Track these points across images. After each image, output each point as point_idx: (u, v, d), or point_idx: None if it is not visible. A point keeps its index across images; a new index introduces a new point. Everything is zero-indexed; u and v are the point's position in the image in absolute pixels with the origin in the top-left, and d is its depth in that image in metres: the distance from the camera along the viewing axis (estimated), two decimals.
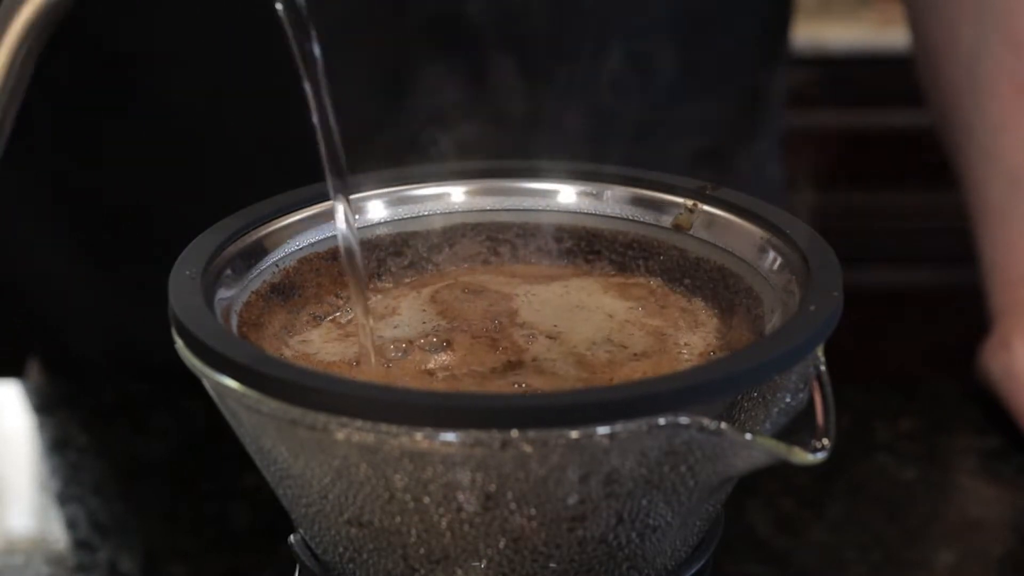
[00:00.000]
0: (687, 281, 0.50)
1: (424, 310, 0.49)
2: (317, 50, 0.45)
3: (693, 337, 0.47)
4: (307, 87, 0.45)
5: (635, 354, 0.46)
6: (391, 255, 0.52)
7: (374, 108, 0.78)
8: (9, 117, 0.44)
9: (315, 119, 0.46)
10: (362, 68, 0.77)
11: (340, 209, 0.46)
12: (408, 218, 0.52)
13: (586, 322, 0.48)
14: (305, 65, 0.45)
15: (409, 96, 0.77)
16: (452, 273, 0.52)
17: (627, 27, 0.79)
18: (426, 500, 0.39)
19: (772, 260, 0.47)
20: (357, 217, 0.52)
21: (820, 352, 0.41)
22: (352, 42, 0.76)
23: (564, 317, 0.48)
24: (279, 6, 0.44)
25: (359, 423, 0.37)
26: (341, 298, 0.50)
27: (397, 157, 0.78)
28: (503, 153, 0.54)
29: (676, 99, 0.83)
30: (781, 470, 0.40)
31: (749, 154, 0.90)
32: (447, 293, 0.50)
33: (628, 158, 0.53)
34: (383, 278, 0.51)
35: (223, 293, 0.46)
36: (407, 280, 0.52)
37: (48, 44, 0.53)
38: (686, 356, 0.46)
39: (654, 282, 0.51)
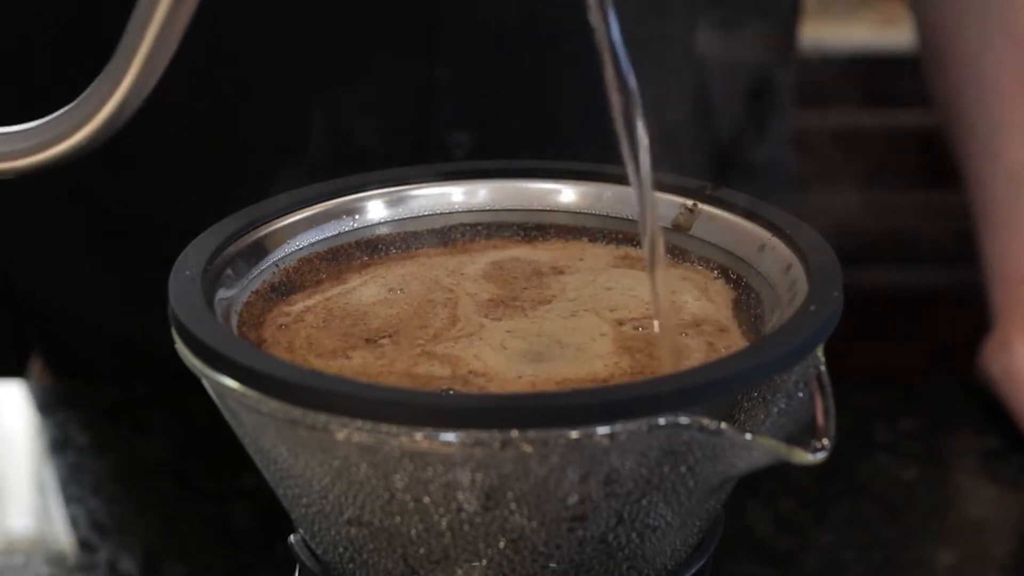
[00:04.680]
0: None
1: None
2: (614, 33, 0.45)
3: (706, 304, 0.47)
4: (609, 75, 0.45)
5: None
6: (390, 250, 0.52)
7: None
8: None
9: (616, 109, 0.45)
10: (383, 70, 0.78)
11: (644, 200, 0.46)
12: (408, 218, 0.52)
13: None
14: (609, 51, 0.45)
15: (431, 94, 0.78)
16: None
17: (632, 21, 0.79)
18: (426, 500, 0.39)
19: (772, 260, 0.47)
20: (357, 217, 0.52)
21: (820, 352, 0.41)
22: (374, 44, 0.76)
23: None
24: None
25: (359, 423, 0.37)
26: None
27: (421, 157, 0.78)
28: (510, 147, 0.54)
29: (681, 98, 0.83)
30: (781, 470, 0.40)
31: (759, 153, 0.90)
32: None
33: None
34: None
35: (223, 293, 0.46)
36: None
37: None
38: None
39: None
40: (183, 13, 0.39)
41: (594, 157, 0.54)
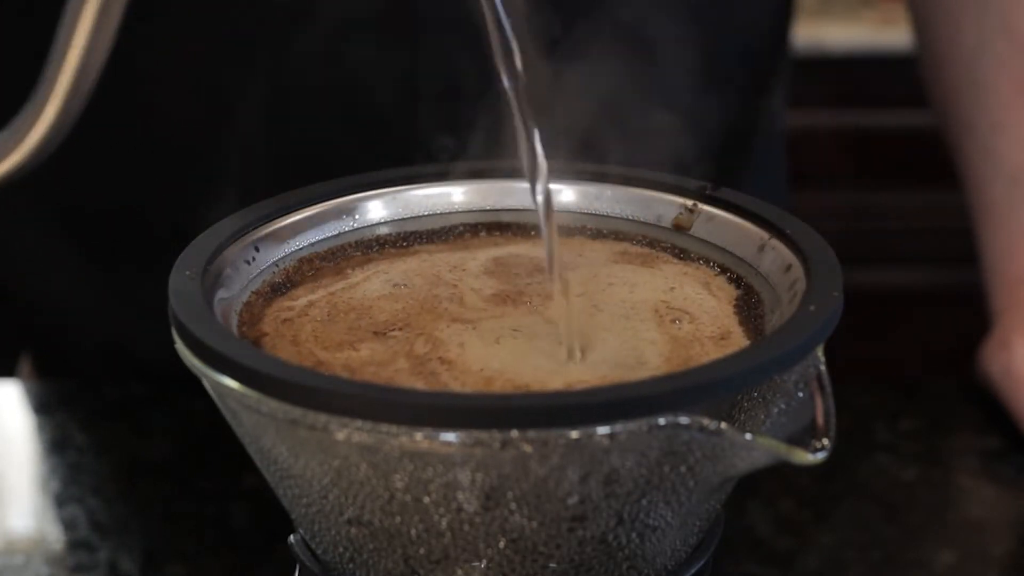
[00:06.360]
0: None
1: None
2: None
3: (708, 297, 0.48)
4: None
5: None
6: (390, 245, 0.52)
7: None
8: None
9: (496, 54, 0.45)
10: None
11: (533, 145, 0.45)
12: (408, 217, 0.52)
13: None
14: None
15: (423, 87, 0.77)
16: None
17: (629, 25, 0.79)
18: (426, 500, 0.39)
19: (772, 260, 0.47)
20: (357, 217, 0.52)
21: (820, 352, 0.41)
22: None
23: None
24: None
25: (359, 423, 0.37)
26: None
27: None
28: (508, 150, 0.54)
29: (679, 98, 0.83)
30: (781, 470, 0.40)
31: (752, 154, 0.90)
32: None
33: (630, 156, 0.53)
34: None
35: (223, 293, 0.46)
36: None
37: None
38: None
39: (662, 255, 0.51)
40: (106, 34, 0.39)
41: (575, 147, 0.54)
